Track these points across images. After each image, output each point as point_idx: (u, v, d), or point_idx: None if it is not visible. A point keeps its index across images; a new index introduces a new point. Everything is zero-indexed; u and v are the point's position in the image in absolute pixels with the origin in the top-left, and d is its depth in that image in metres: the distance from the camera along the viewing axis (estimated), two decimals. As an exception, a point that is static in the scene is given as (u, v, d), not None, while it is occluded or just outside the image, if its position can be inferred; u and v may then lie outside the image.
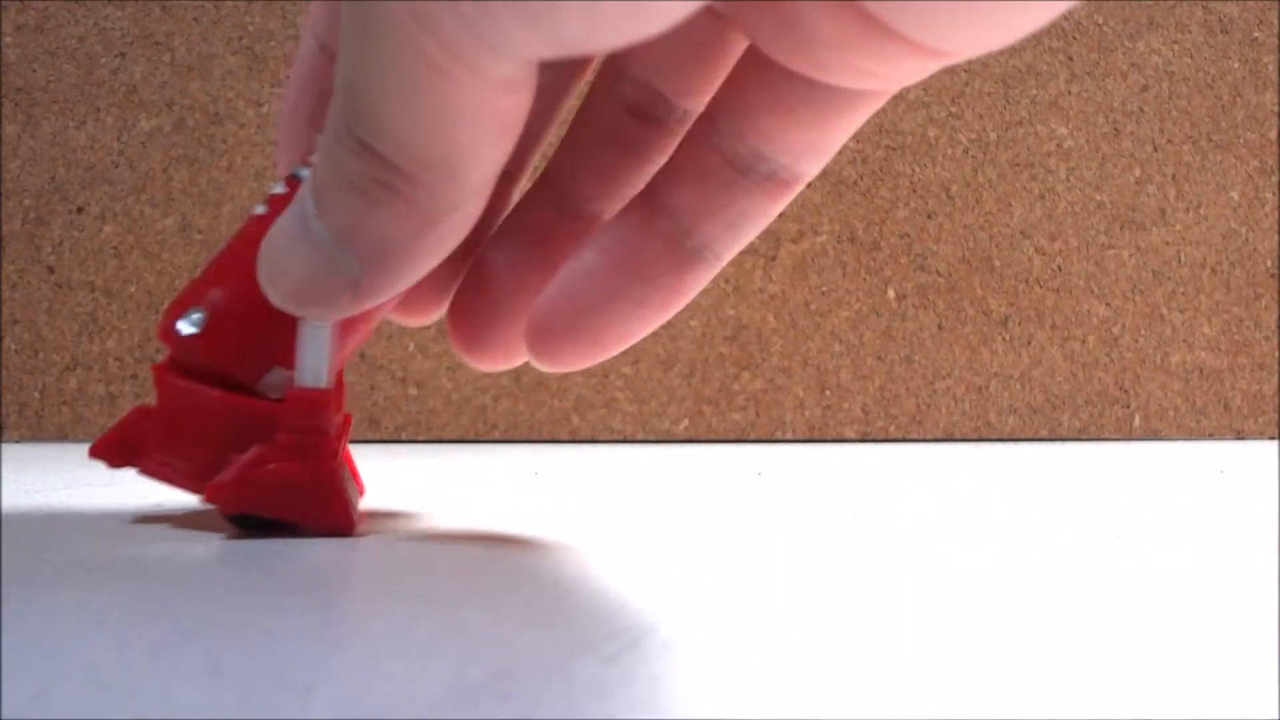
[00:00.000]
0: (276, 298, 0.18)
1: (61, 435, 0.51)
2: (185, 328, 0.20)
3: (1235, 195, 0.54)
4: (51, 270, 0.52)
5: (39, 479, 0.32)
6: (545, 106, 0.21)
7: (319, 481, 0.20)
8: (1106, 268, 0.53)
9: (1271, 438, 0.53)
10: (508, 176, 0.22)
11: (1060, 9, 0.13)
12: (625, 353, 0.51)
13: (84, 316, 0.51)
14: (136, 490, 0.29)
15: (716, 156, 0.18)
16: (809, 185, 0.54)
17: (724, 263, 0.19)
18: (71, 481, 0.32)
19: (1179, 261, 0.53)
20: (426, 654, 0.12)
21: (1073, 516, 0.24)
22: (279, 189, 0.20)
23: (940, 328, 0.52)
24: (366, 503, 0.24)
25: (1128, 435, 0.52)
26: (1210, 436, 0.53)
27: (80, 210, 0.52)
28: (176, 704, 0.11)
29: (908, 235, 0.52)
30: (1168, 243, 0.53)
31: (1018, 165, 0.53)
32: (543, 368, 0.19)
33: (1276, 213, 0.54)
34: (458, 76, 0.14)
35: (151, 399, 0.22)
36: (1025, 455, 0.42)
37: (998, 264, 0.52)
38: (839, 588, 0.16)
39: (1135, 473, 0.35)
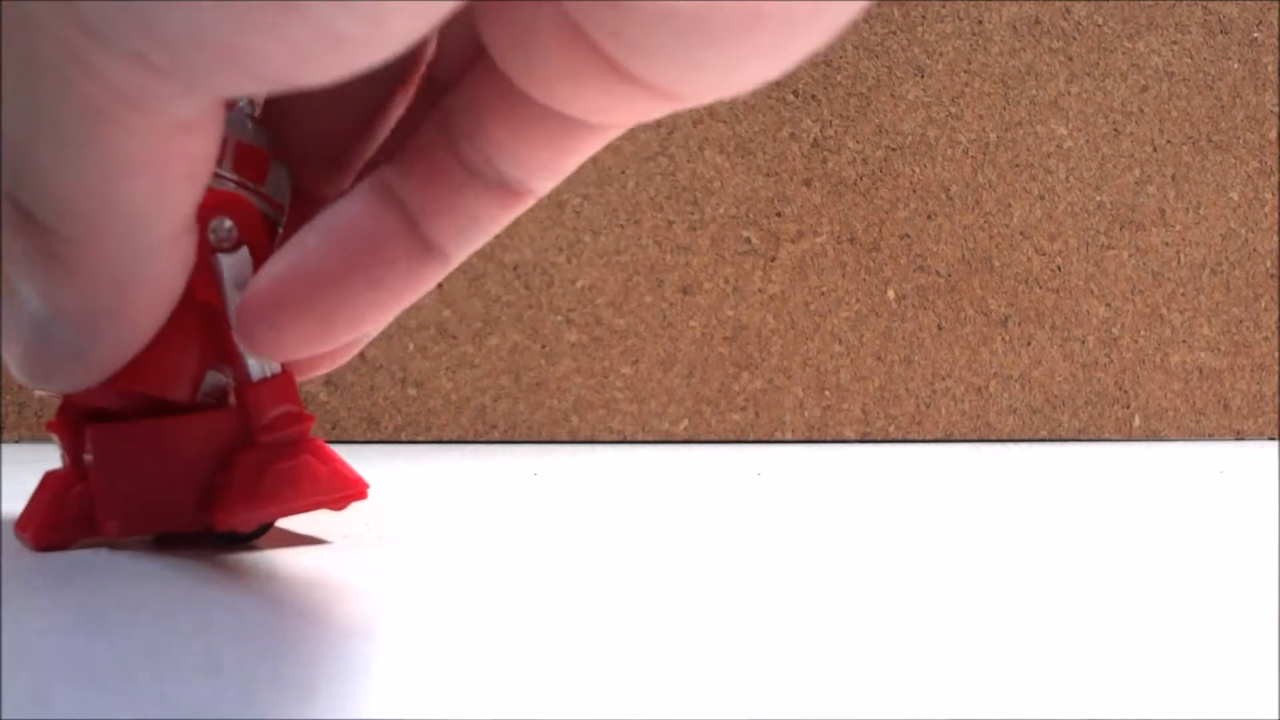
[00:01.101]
0: (16, 374, 0.17)
1: (61, 435, 0.51)
2: None
3: (1235, 195, 0.54)
4: (51, 270, 0.52)
5: (39, 479, 0.32)
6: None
7: (325, 460, 0.20)
8: (1106, 268, 0.53)
9: (1271, 438, 0.53)
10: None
11: (791, 61, 0.13)
12: (625, 353, 0.51)
13: (83, 317, 0.51)
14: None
15: (450, 155, 0.17)
16: (808, 185, 0.54)
17: (454, 264, 0.18)
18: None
19: (1179, 262, 0.53)
20: (426, 654, 0.12)
21: (1073, 517, 0.24)
22: None
23: (940, 328, 0.52)
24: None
25: (1127, 436, 0.52)
26: (1210, 437, 0.53)
27: (80, 210, 0.52)
28: (176, 704, 0.11)
29: (907, 236, 0.52)
30: (1167, 243, 0.53)
31: (1017, 166, 0.53)
32: (260, 353, 0.18)
33: (1276, 213, 0.54)
34: (133, 124, 0.13)
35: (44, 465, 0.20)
36: (1025, 456, 0.42)
37: (997, 264, 0.52)
38: (838, 588, 0.16)
39: (1135, 473, 0.35)
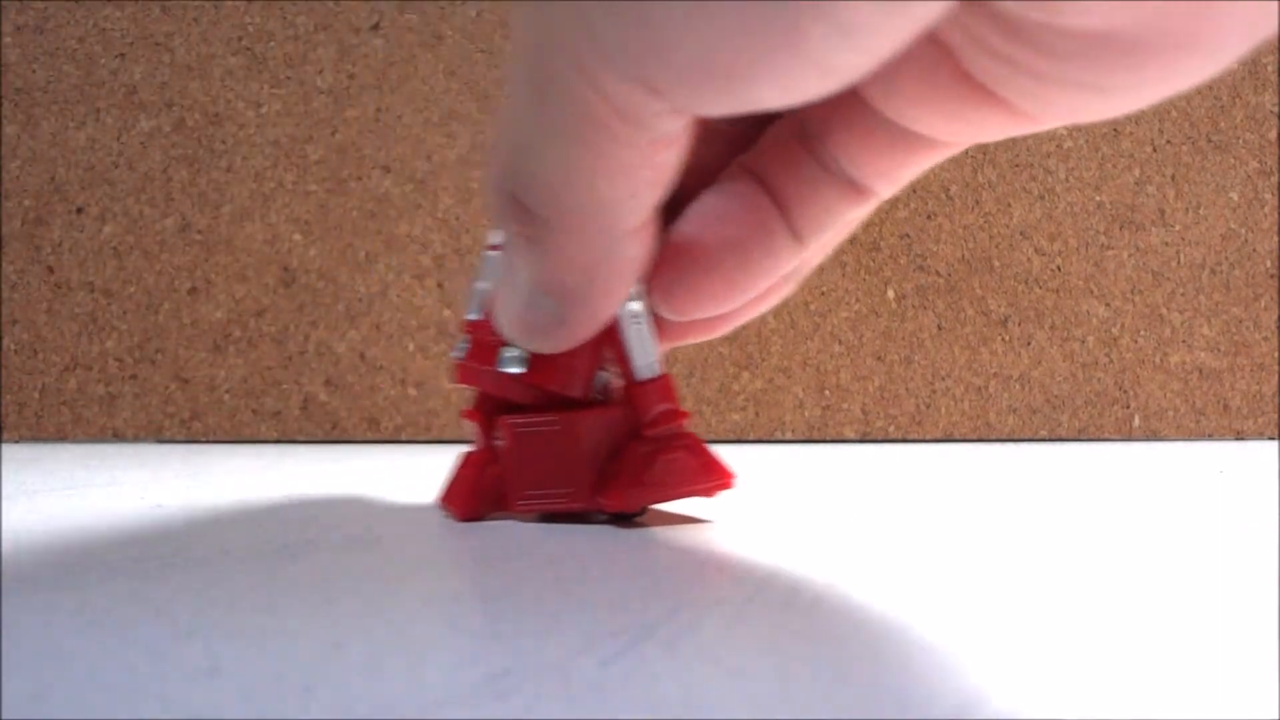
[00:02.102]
0: (507, 334, 0.20)
1: (61, 436, 0.51)
2: (512, 368, 0.21)
3: (1235, 196, 0.54)
4: (51, 270, 0.52)
5: (39, 479, 0.32)
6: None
7: (699, 454, 0.22)
8: (1106, 268, 0.53)
9: (1271, 438, 0.53)
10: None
11: (1192, 83, 0.14)
12: (625, 353, 0.51)
13: (83, 317, 0.51)
14: (135, 491, 0.29)
15: (804, 150, 0.19)
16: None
17: (809, 251, 0.20)
18: (71, 482, 0.32)
19: (1178, 262, 0.53)
20: (426, 654, 0.12)
21: (1072, 517, 0.24)
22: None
23: (940, 328, 0.52)
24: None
25: (1127, 435, 0.52)
26: (1210, 437, 0.53)
27: (80, 210, 0.52)
28: (176, 704, 0.11)
29: (907, 236, 0.52)
30: (1167, 243, 0.53)
31: (1017, 166, 0.53)
32: (672, 310, 0.20)
33: (1276, 213, 0.54)
34: (622, 133, 0.15)
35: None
36: (1025, 455, 0.42)
37: (997, 264, 0.52)
38: (838, 588, 0.16)
39: (1135, 473, 0.35)
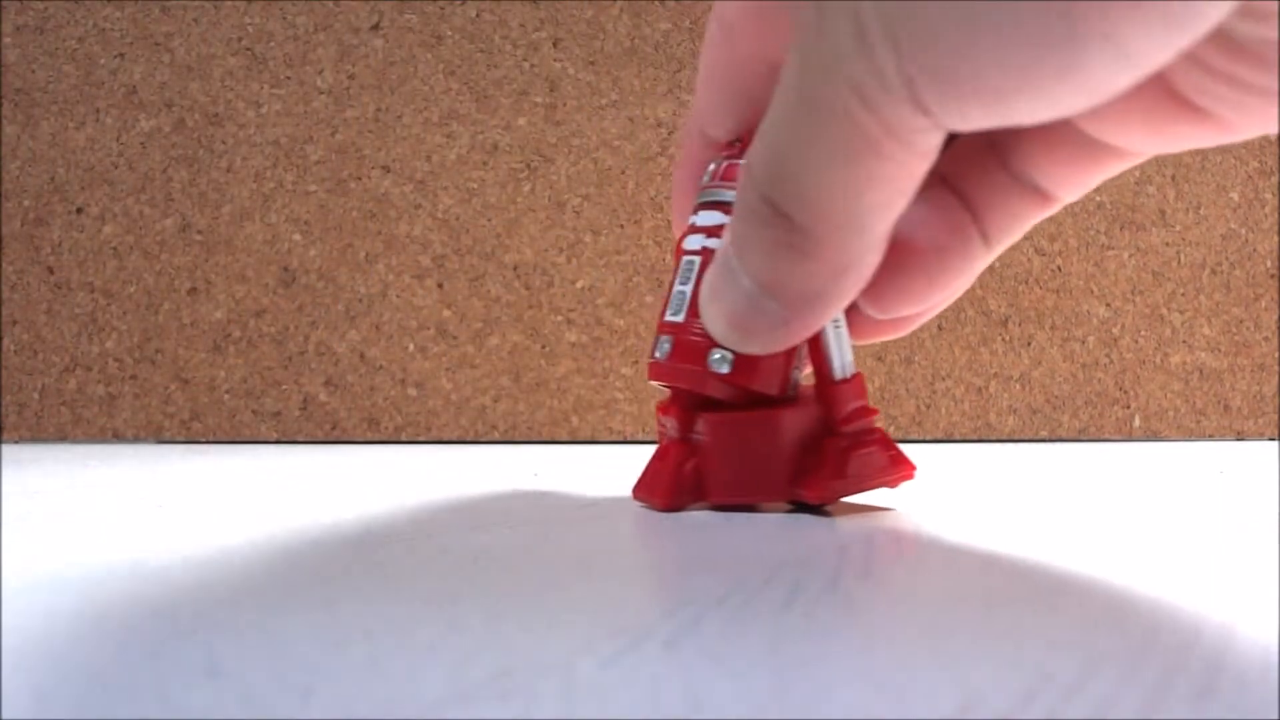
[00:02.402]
0: (717, 335, 0.21)
1: (61, 436, 0.51)
2: (720, 366, 0.22)
3: (1235, 196, 0.54)
4: (51, 271, 0.52)
5: (39, 479, 0.32)
6: None
7: (888, 448, 0.23)
8: (1106, 268, 0.53)
9: (1271, 438, 0.53)
10: None
11: None
12: (625, 353, 0.51)
13: (83, 317, 0.51)
14: (135, 491, 0.29)
15: (994, 159, 0.20)
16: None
17: (995, 254, 0.22)
18: (71, 482, 0.32)
19: (1179, 262, 0.53)
20: (426, 654, 0.12)
21: (1072, 517, 0.24)
22: (698, 242, 0.23)
23: (940, 328, 0.52)
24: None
25: (1128, 436, 0.52)
26: (1210, 437, 0.53)
27: (80, 211, 0.52)
28: (176, 704, 0.11)
29: (907, 236, 0.52)
30: (1167, 243, 0.53)
31: (1017, 166, 0.53)
32: (879, 307, 0.22)
33: (1276, 213, 0.54)
34: (890, 150, 0.16)
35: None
36: (1025, 455, 0.42)
37: (997, 264, 0.52)
38: (839, 588, 0.16)
39: (1135, 473, 0.35)
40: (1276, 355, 0.53)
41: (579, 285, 0.51)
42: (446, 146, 0.52)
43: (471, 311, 0.51)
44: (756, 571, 0.17)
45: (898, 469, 0.24)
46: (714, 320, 0.21)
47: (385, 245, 0.51)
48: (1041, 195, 0.20)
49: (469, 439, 0.50)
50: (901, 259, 0.21)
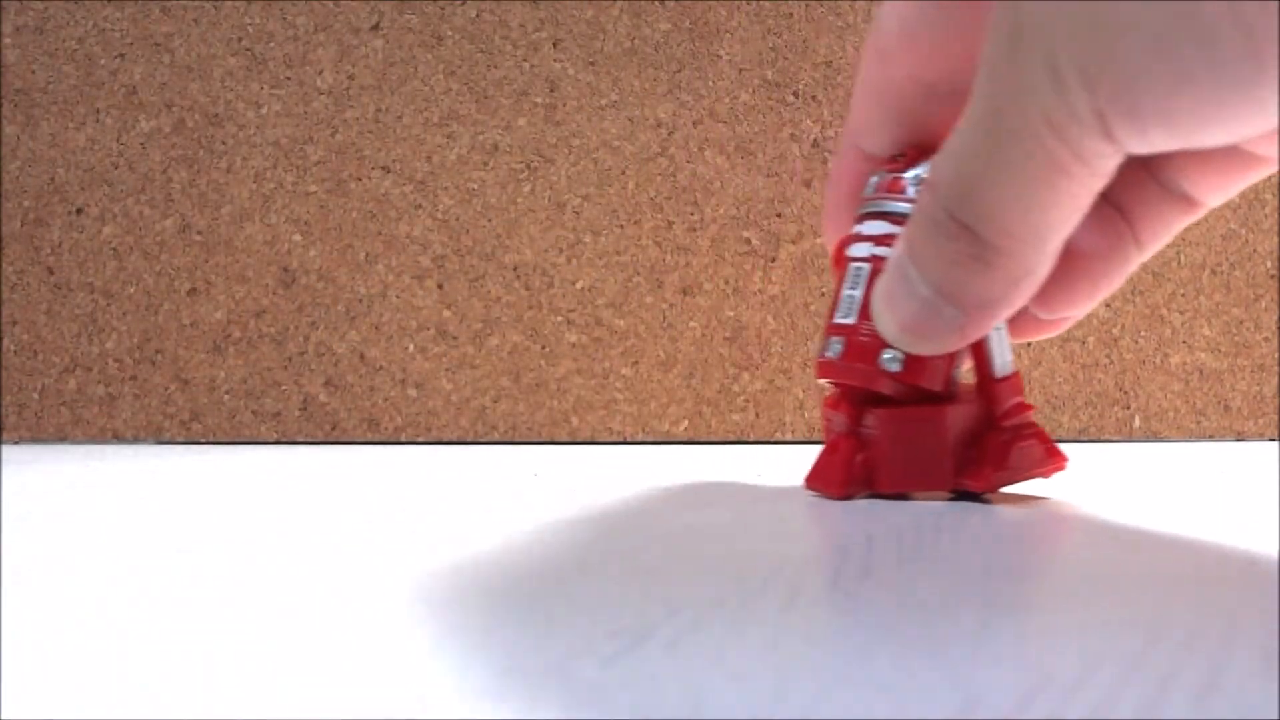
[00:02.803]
0: (890, 337, 0.23)
1: (61, 436, 0.51)
2: (892, 365, 0.24)
3: (1235, 196, 0.54)
4: (51, 271, 0.52)
5: (39, 480, 0.32)
6: None
7: (1044, 440, 0.26)
8: (1106, 269, 0.53)
9: (1271, 439, 0.53)
10: None
11: None
12: (625, 354, 0.51)
13: (83, 318, 0.51)
14: (136, 491, 0.29)
15: (1144, 170, 0.22)
16: (808, 186, 0.54)
17: (1146, 257, 0.25)
18: (71, 482, 0.32)
19: (1179, 262, 0.53)
20: (426, 653, 0.12)
21: (1072, 517, 0.24)
22: (866, 250, 0.25)
23: (940, 329, 0.52)
24: None
25: (1128, 436, 0.52)
26: (1210, 438, 0.53)
27: (79, 211, 0.52)
28: (176, 704, 0.11)
29: (907, 236, 0.52)
30: (1167, 244, 0.53)
31: (1017, 166, 0.53)
32: (1049, 309, 0.25)
33: (1276, 213, 0.54)
34: (1075, 172, 0.17)
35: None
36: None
37: (997, 265, 0.52)
38: (839, 588, 0.16)
39: (1135, 474, 0.35)
40: (1276, 356, 0.53)
41: (579, 286, 0.51)
42: (446, 147, 0.52)
43: (471, 312, 0.51)
44: (756, 571, 0.17)
45: (1053, 460, 0.26)
46: (888, 323, 0.23)
47: (385, 246, 0.51)
48: (1189, 202, 0.23)
49: (469, 439, 0.50)
50: (1067, 265, 0.23)
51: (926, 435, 0.25)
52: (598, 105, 0.52)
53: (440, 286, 0.51)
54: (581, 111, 0.52)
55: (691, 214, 0.51)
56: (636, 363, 0.50)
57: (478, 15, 0.52)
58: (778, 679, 0.11)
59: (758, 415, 0.51)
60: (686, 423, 0.50)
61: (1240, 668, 0.12)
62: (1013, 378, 0.25)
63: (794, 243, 0.51)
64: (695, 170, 0.51)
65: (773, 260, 0.51)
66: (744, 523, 0.23)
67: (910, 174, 0.25)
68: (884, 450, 0.26)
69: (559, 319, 0.51)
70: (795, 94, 0.51)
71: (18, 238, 0.52)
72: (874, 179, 0.25)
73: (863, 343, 0.25)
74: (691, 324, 0.51)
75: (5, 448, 0.48)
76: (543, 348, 0.51)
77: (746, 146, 0.51)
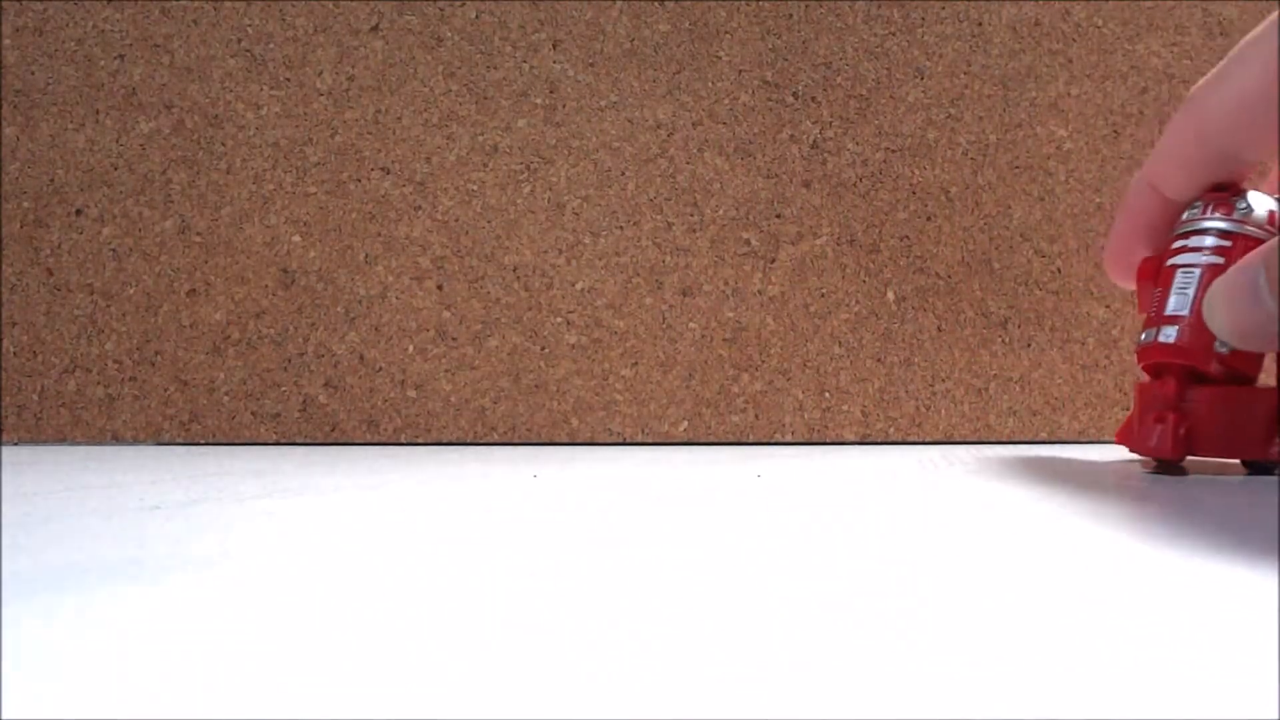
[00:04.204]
0: (1221, 333, 0.28)
1: (60, 438, 0.51)
2: (1221, 350, 0.31)
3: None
4: (50, 272, 0.52)
5: (38, 481, 0.32)
6: None
7: None
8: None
9: (1271, 440, 0.53)
10: None
11: None
12: (624, 355, 0.51)
13: (83, 319, 0.51)
14: (135, 491, 0.29)
15: None
16: (808, 187, 0.54)
17: None
18: (70, 484, 0.32)
19: (1178, 263, 0.53)
20: (426, 653, 0.12)
21: (1072, 517, 0.24)
22: (1197, 259, 0.32)
23: (940, 330, 0.52)
24: None
25: (1127, 437, 0.52)
26: (1210, 438, 0.53)
27: (79, 212, 0.52)
28: (175, 705, 0.11)
29: (907, 238, 0.52)
30: (1167, 245, 0.53)
31: (1017, 168, 0.53)
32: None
33: (1276, 215, 0.54)
34: None
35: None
36: (1025, 456, 0.42)
37: (997, 266, 0.52)
38: (839, 587, 0.16)
39: (1134, 473, 0.35)
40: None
41: (578, 287, 0.51)
42: (446, 148, 0.52)
43: (471, 313, 0.51)
44: (756, 569, 0.17)
45: None
46: (1222, 321, 0.27)
47: (385, 247, 0.51)
48: None
49: (468, 441, 0.50)
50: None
51: (1243, 410, 0.31)
52: (597, 106, 0.52)
53: (440, 287, 0.51)
54: (581, 112, 0.52)
55: (691, 215, 0.51)
56: (636, 364, 0.50)
57: (477, 16, 0.52)
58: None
59: (757, 416, 0.51)
60: (686, 424, 0.50)
61: None
62: None
63: (794, 244, 0.51)
64: (695, 171, 0.51)
65: (772, 262, 0.51)
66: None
67: (1240, 203, 0.31)
68: (1206, 422, 0.31)
69: (558, 320, 0.51)
70: (795, 95, 0.51)
71: (17, 239, 0.52)
72: (1198, 203, 0.32)
73: (1196, 331, 0.31)
74: (691, 325, 0.51)
75: (5, 448, 0.48)
76: (542, 349, 0.51)
77: (746, 147, 0.51)
